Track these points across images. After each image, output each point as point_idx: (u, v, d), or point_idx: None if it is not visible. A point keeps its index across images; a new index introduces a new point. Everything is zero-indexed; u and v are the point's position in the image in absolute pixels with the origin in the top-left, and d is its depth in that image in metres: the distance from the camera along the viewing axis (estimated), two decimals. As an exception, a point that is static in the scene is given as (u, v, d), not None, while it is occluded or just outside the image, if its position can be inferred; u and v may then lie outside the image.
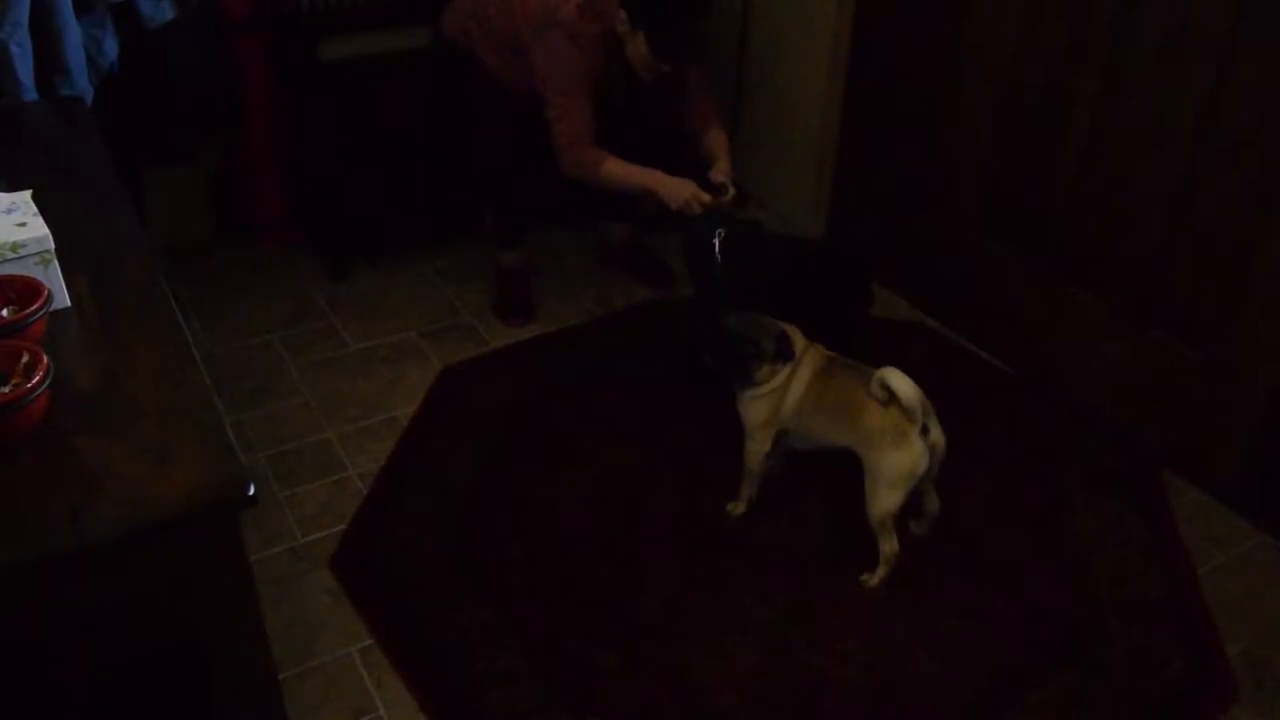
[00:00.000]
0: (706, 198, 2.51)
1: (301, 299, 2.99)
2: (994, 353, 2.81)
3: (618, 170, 2.55)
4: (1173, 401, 2.43)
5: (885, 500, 2.02)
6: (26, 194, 1.46)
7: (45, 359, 1.15)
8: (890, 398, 1.96)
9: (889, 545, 2.06)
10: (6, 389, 1.13)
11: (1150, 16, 2.24)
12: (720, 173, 2.62)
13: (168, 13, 2.40)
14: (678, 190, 2.51)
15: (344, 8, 2.99)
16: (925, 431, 1.98)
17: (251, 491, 1.11)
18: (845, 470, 2.08)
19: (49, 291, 1.28)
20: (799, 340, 2.14)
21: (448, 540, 2.19)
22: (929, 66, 2.80)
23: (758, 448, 2.19)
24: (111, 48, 2.28)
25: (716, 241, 2.46)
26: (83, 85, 2.18)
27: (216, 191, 3.20)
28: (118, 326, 1.38)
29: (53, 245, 1.36)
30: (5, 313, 1.26)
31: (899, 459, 1.98)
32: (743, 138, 3.50)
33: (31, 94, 2.07)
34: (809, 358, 2.13)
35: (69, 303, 1.39)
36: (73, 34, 2.13)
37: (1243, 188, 2.17)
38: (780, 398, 2.13)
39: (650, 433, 2.50)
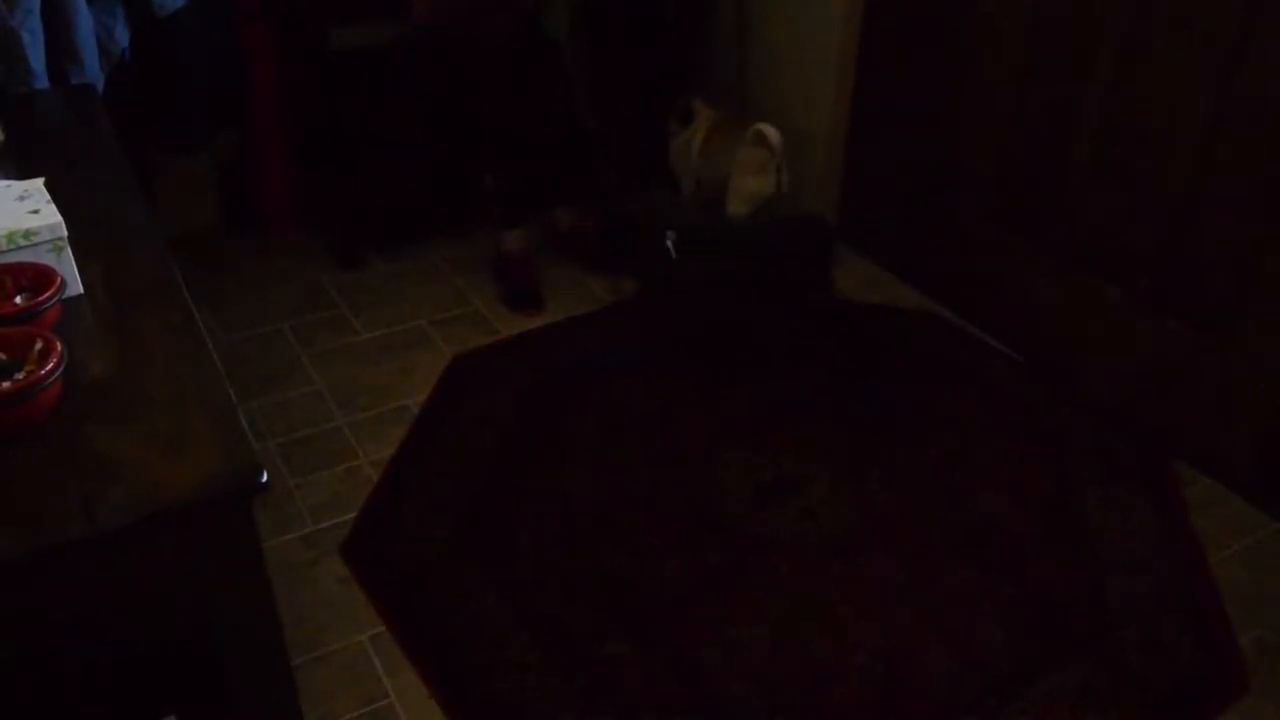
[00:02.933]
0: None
1: (312, 287, 3.00)
2: (1005, 340, 2.80)
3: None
4: (1184, 390, 2.42)
5: (736, 209, 2.93)
6: (39, 181, 1.46)
7: (59, 346, 1.15)
8: (761, 141, 2.83)
9: None
10: (20, 375, 1.13)
11: (1160, 13, 2.22)
12: None
13: (179, 0, 2.39)
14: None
15: (354, -5, 2.98)
16: (779, 170, 2.86)
17: (265, 479, 1.11)
18: (853, 460, 2.08)
19: (62, 279, 1.28)
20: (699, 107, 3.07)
21: (458, 528, 2.19)
22: (940, 52, 2.78)
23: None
24: (123, 35, 2.28)
25: (670, 243, 2.64)
26: (94, 73, 2.18)
27: (226, 180, 3.21)
28: (130, 314, 1.38)
29: (65, 233, 1.36)
30: (19, 300, 1.26)
31: (754, 182, 2.90)
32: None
33: (43, 81, 2.07)
34: (704, 119, 3.05)
35: (81, 290, 1.40)
36: (84, 21, 2.13)
37: (1257, 174, 2.15)
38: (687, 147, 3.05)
39: (661, 422, 2.50)
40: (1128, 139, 2.38)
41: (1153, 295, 2.43)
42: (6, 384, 1.12)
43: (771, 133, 2.82)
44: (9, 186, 1.44)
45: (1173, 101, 2.26)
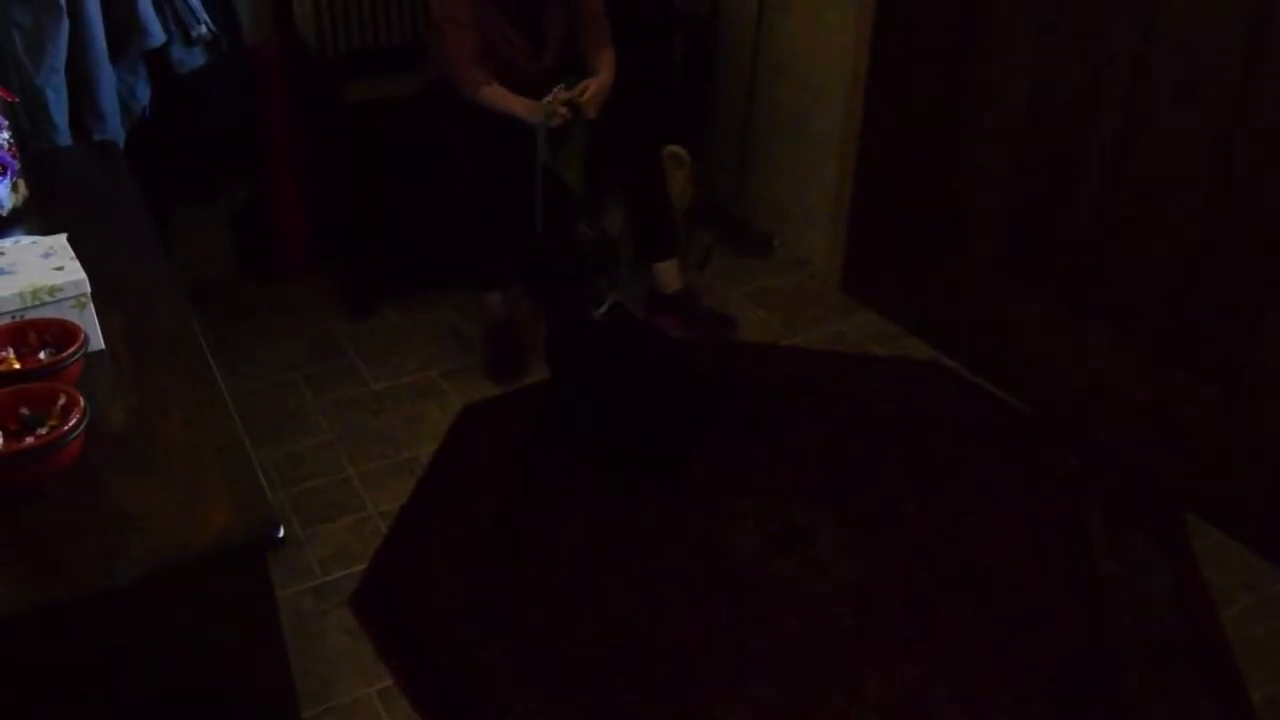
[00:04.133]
0: (564, 96, 2.69)
1: (323, 337, 3.03)
2: (1012, 392, 2.81)
3: (492, 94, 2.75)
4: (1194, 442, 2.42)
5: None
6: (62, 237, 1.50)
7: (81, 401, 1.17)
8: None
9: None
10: (44, 430, 1.15)
11: (1166, 58, 2.26)
12: (593, 82, 2.77)
13: (199, 58, 2.45)
14: (535, 108, 2.72)
15: (369, 52, 3.05)
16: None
17: (281, 533, 1.13)
18: (861, 510, 2.08)
19: (85, 334, 1.31)
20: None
21: (467, 580, 2.19)
22: (944, 108, 2.83)
23: None
24: (144, 92, 2.34)
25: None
26: (115, 129, 2.23)
27: (240, 231, 3.26)
28: (150, 368, 1.40)
29: (89, 289, 1.39)
30: (43, 355, 1.29)
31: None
32: (757, 177, 3.53)
33: (66, 138, 2.12)
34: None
35: (103, 345, 1.42)
36: (107, 79, 2.19)
37: (1263, 228, 2.18)
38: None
39: (671, 471, 2.51)
40: (1134, 191, 2.41)
41: (1161, 347, 2.44)
42: (30, 439, 1.14)
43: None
44: (34, 243, 1.48)
45: (1178, 153, 2.29)
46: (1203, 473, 2.41)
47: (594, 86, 2.77)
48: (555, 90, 2.71)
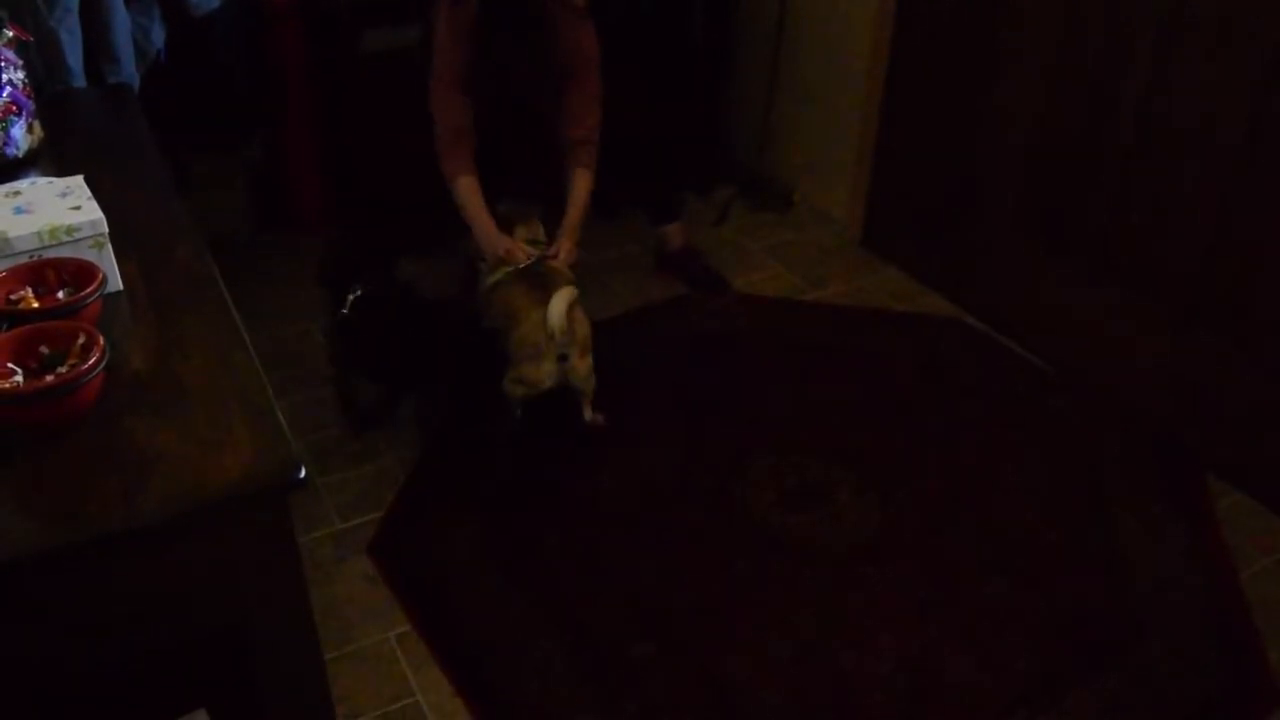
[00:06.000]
0: (522, 257, 2.37)
1: (340, 288, 3.01)
2: (1035, 351, 2.78)
3: (464, 192, 2.44)
4: (1216, 403, 2.39)
5: (512, 390, 2.33)
6: (79, 178, 1.48)
7: (101, 340, 1.16)
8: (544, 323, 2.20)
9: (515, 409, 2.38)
10: (64, 369, 1.14)
11: (1198, 9, 2.21)
12: (560, 251, 2.44)
13: (214, 1, 2.42)
14: (493, 244, 2.41)
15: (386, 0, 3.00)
16: (564, 359, 2.26)
17: (303, 474, 1.12)
18: (879, 466, 2.07)
19: (103, 274, 1.30)
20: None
21: (484, 529, 2.20)
22: (970, 62, 2.77)
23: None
24: (159, 35, 2.31)
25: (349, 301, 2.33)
26: (130, 72, 2.21)
27: (255, 180, 3.23)
28: (170, 309, 1.39)
29: (106, 229, 1.37)
30: (61, 294, 1.28)
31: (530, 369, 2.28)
32: (778, 131, 3.49)
33: (81, 81, 2.10)
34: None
35: (121, 286, 1.41)
36: (122, 22, 2.16)
37: (1293, 187, 2.14)
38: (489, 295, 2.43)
39: (688, 426, 2.50)
40: (1162, 151, 2.37)
41: (1185, 308, 2.41)
42: (50, 377, 1.13)
43: (553, 317, 2.19)
44: (50, 183, 1.46)
45: (1209, 111, 2.24)
46: (1224, 434, 2.38)
47: (565, 250, 2.45)
48: (523, 245, 2.42)
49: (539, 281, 2.32)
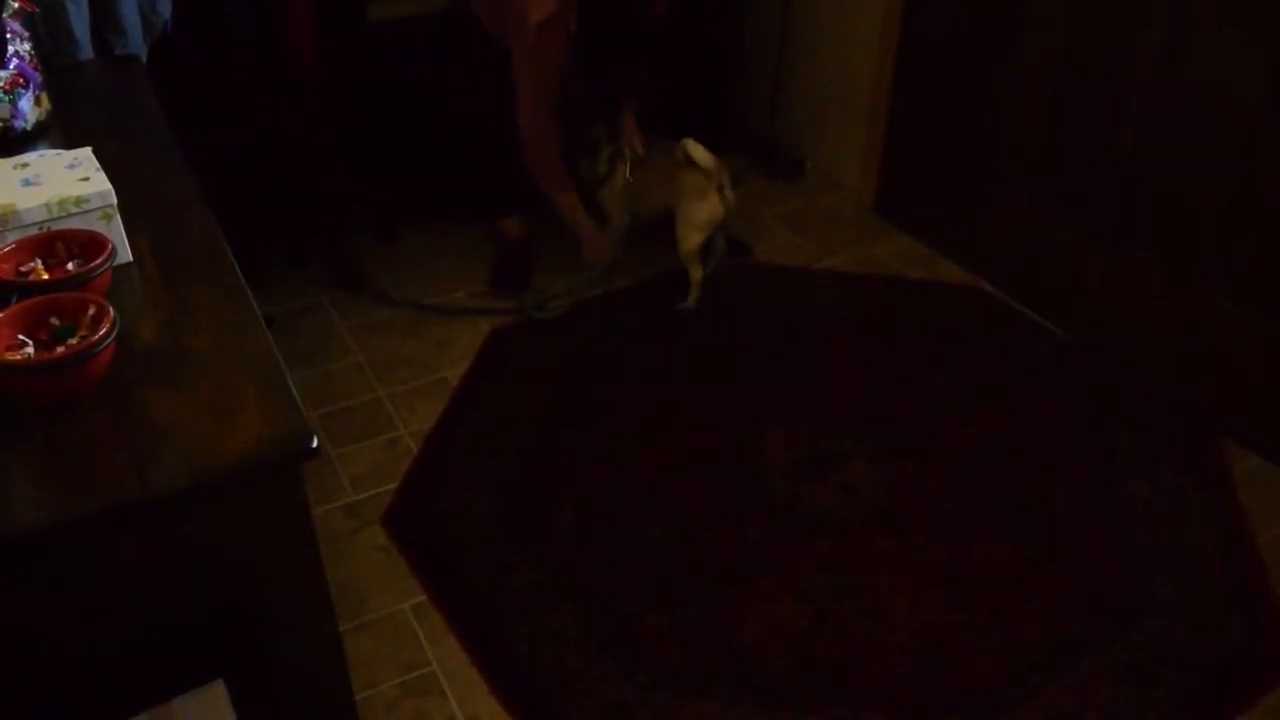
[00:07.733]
0: (641, 148, 2.80)
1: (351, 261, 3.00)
2: (1049, 316, 2.76)
3: (567, 206, 2.78)
4: (1232, 366, 2.37)
5: (690, 240, 2.68)
6: (88, 150, 1.47)
7: (111, 311, 1.15)
8: (690, 161, 2.62)
9: (696, 273, 2.74)
10: (74, 340, 1.14)
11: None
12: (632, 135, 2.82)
13: (220, -29, 2.39)
14: (598, 248, 2.83)
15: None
16: (721, 189, 2.64)
17: (315, 444, 1.12)
18: (893, 434, 2.05)
19: (113, 245, 1.29)
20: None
21: (498, 500, 2.20)
22: (984, 27, 2.73)
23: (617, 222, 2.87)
24: (165, 6, 2.28)
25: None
26: (137, 44, 2.19)
27: (264, 152, 3.21)
28: (179, 281, 1.38)
29: (115, 200, 1.36)
30: (71, 266, 1.27)
31: (701, 208, 2.65)
32: (790, 98, 3.45)
33: (88, 52, 2.08)
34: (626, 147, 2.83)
35: (130, 258, 1.40)
36: (127, -9, 2.14)
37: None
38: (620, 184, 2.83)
39: (701, 395, 2.49)
40: (1177, 116, 2.33)
41: (1201, 272, 2.38)
42: (61, 349, 1.13)
43: (699, 152, 2.61)
44: (59, 155, 1.45)
45: (1227, 75, 2.20)
46: (1242, 398, 2.36)
47: (635, 136, 2.84)
48: (615, 163, 2.82)
49: (665, 155, 2.70)
